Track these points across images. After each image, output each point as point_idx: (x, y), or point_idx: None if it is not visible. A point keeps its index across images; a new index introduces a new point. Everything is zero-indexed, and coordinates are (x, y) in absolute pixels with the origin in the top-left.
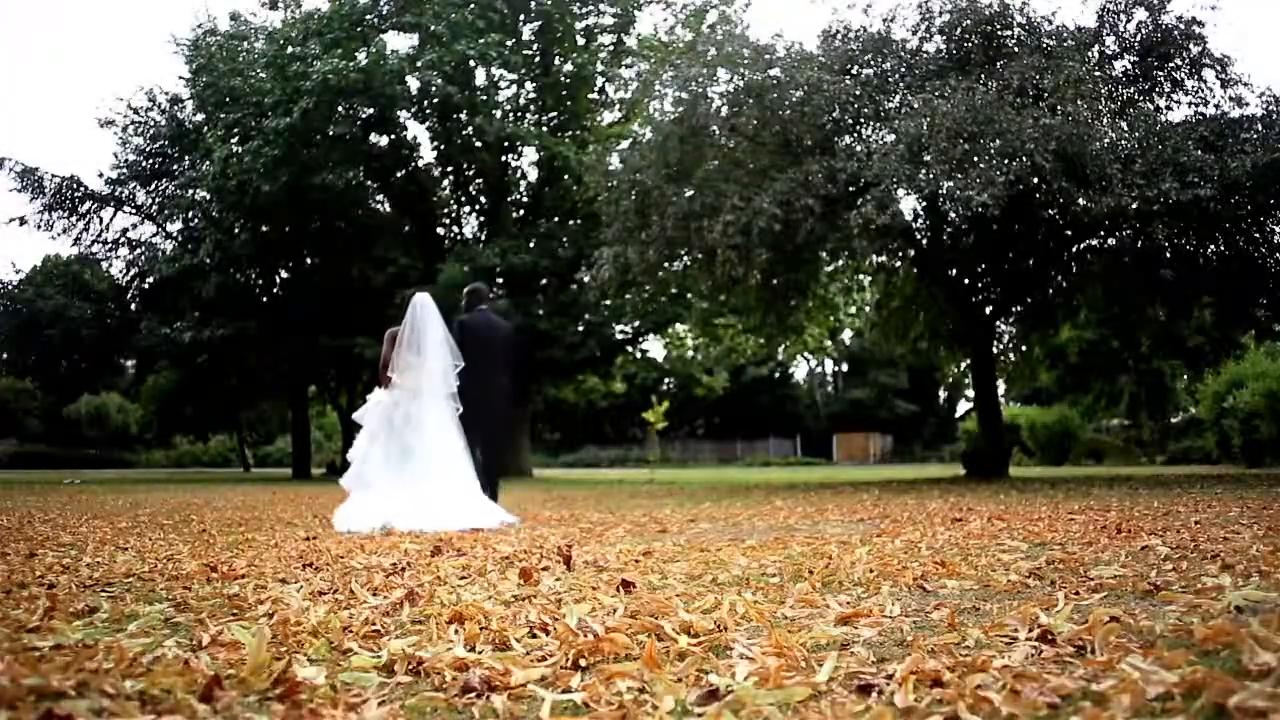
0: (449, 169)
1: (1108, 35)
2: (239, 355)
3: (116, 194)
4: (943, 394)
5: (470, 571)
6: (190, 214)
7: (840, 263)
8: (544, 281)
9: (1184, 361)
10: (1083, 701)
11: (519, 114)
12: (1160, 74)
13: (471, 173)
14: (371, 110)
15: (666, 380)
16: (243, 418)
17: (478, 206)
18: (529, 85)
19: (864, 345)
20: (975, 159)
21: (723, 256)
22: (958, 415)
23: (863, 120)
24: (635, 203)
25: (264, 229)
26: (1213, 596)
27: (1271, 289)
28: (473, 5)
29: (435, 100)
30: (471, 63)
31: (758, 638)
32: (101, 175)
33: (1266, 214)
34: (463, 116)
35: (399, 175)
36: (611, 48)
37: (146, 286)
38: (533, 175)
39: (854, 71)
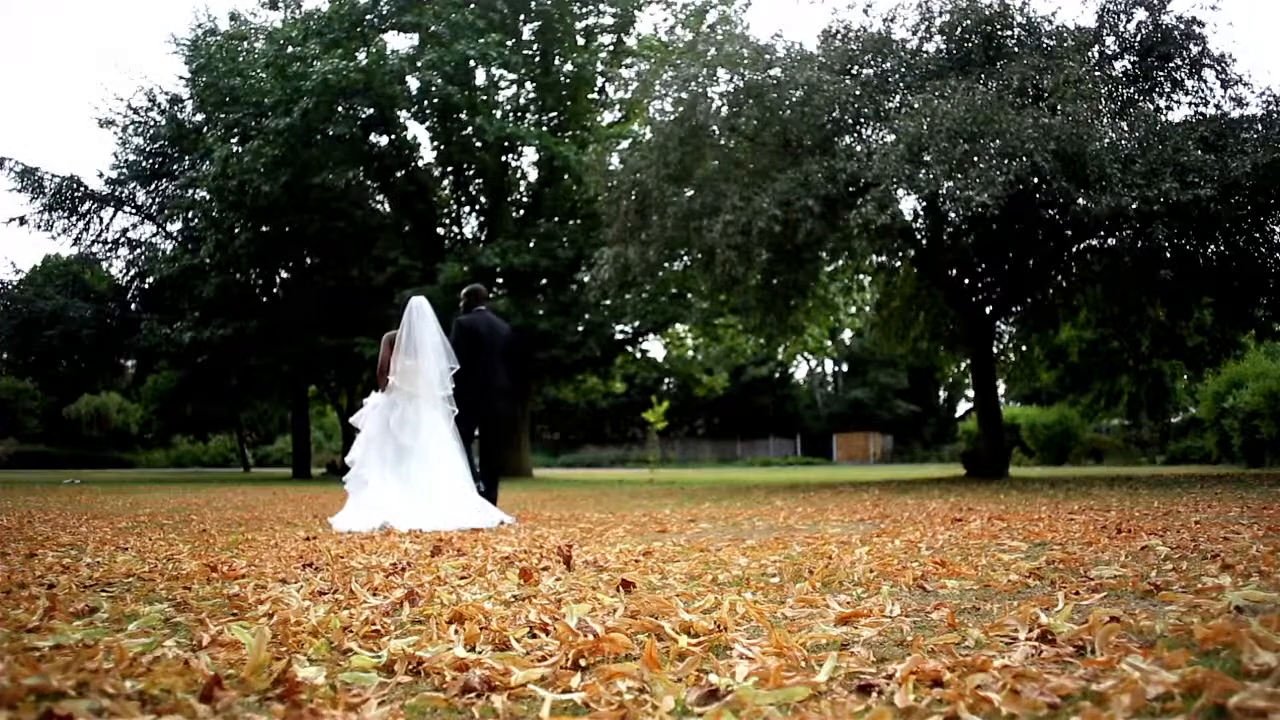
0: (449, 169)
1: (1108, 35)
2: (239, 355)
3: (116, 194)
4: (943, 394)
5: (470, 571)
6: (190, 214)
7: (840, 263)
8: (544, 281)
9: (1184, 361)
10: (1083, 701)
11: (519, 114)
12: (1160, 74)
13: (471, 173)
14: (371, 110)
15: (666, 380)
16: (243, 418)
17: (478, 206)
18: (529, 85)
19: (864, 345)
20: (975, 159)
21: (723, 256)
22: (958, 415)
23: (863, 120)
24: (635, 203)
25: (264, 229)
26: (1213, 596)
27: (1271, 289)
28: (473, 5)
29: (435, 100)
30: (471, 63)
31: (758, 638)
32: (101, 175)
33: (1266, 214)
34: (463, 116)
35: (399, 175)
36: (611, 48)
37: (146, 286)
38: (533, 175)
39: (854, 71)
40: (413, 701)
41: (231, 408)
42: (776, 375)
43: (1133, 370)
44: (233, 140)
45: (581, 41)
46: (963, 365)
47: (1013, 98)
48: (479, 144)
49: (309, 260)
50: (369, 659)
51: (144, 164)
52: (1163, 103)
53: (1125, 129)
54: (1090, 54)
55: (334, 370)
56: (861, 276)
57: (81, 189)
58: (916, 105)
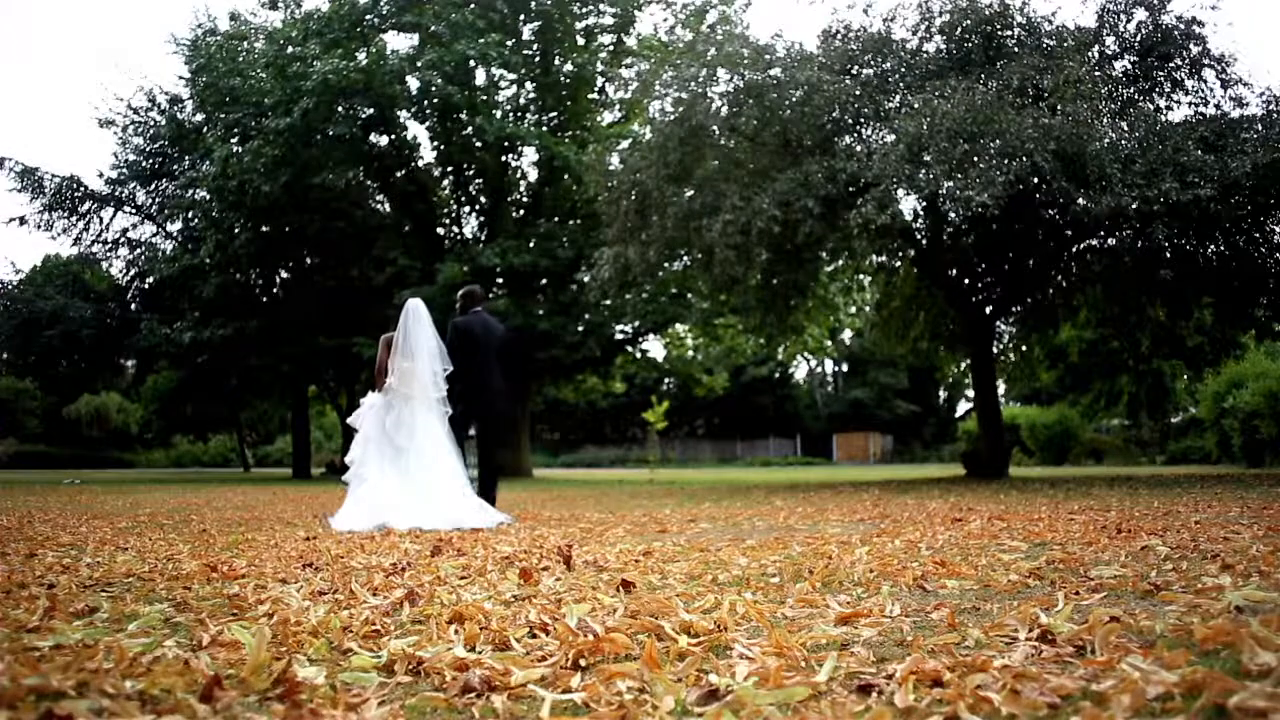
0: (449, 169)
1: (1108, 35)
2: (239, 355)
3: (116, 194)
4: (943, 394)
5: (470, 571)
6: (190, 214)
7: (840, 263)
8: (544, 281)
9: (1184, 361)
10: (1083, 701)
11: (519, 114)
12: (1160, 74)
13: (471, 173)
14: (371, 110)
15: (666, 380)
16: (243, 418)
17: (478, 206)
18: (529, 85)
19: (864, 345)
20: (975, 159)
21: (722, 256)
22: (958, 415)
23: (863, 120)
24: (635, 203)
25: (264, 229)
26: (1213, 596)
27: (1271, 289)
28: (473, 5)
29: (435, 100)
30: (471, 63)
31: (758, 638)
32: (101, 175)
33: (1266, 214)
34: (463, 116)
35: (399, 175)
36: (611, 48)
37: (146, 286)
38: (533, 175)
39: (854, 71)
40: (413, 701)
41: (231, 408)
42: (776, 375)
43: (1133, 370)
44: (233, 140)
45: (581, 41)
46: (963, 365)
47: (1013, 98)
48: (479, 144)
49: (309, 260)
50: (369, 659)
51: (144, 164)
52: (1163, 103)
53: (1125, 129)
54: (1090, 54)
55: (333, 370)
56: (861, 276)
57: (81, 189)
58: (916, 105)
